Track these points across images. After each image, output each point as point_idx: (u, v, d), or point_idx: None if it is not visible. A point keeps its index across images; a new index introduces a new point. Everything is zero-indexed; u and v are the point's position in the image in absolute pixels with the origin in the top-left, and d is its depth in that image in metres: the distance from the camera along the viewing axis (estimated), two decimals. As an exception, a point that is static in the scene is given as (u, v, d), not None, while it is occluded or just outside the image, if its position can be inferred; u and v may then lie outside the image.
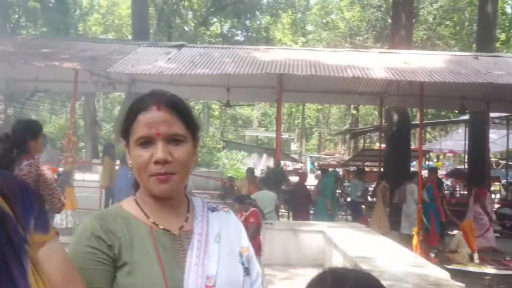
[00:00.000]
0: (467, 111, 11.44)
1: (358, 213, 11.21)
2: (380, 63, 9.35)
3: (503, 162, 21.90)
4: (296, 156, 39.38)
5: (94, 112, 25.43)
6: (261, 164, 21.29)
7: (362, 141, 30.05)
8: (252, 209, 7.07)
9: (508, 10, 33.73)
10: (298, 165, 33.69)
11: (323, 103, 21.57)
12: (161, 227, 1.13)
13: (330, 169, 14.49)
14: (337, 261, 3.78)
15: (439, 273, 3.06)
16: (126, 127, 1.17)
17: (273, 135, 31.48)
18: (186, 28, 30.91)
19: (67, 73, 9.45)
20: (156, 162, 1.10)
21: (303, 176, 11.53)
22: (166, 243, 1.12)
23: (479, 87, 9.13)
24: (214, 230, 1.21)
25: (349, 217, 12.27)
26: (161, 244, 1.10)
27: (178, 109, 1.16)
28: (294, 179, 22.26)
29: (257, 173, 14.52)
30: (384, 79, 8.87)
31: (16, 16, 24.13)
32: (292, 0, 33.11)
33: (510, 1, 33.84)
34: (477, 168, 12.24)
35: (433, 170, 10.70)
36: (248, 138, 43.85)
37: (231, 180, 13.96)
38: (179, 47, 10.74)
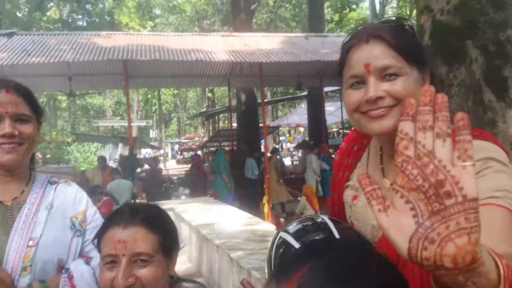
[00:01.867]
0: (303, 87, 12.56)
1: (254, 190, 11.39)
2: (222, 46, 9.78)
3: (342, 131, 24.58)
4: (156, 143, 38.87)
5: None
6: (118, 153, 20.65)
7: (221, 122, 30.95)
8: (104, 198, 7.00)
9: (339, -7, 37.36)
10: (160, 152, 33.39)
11: (173, 87, 21.61)
12: None
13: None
14: (185, 232, 4.06)
15: (267, 227, 3.51)
16: None
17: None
18: (18, 14, 28.01)
19: None
20: (3, 136, 1.28)
21: (152, 161, 11.62)
22: None
23: (312, 64, 10.05)
24: (48, 199, 1.42)
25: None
26: None
27: (25, 92, 1.36)
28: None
29: (113, 163, 14.07)
30: (227, 61, 9.32)
31: None
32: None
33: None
34: (317, 138, 13.61)
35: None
36: (102, 129, 41.76)
37: (82, 172, 13.37)
38: (9, 35, 9.85)
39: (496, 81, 3.08)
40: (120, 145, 21.08)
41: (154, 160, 11.94)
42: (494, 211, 0.83)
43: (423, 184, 0.52)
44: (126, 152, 17.75)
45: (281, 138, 32.94)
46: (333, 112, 19.11)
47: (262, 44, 10.19)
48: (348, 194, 1.22)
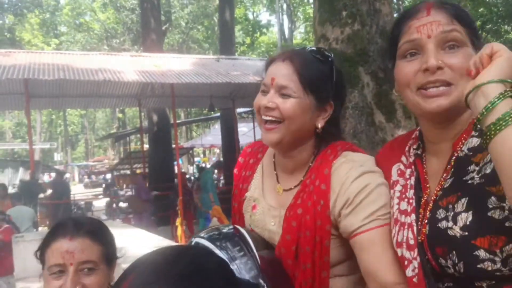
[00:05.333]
0: (216, 108, 12.69)
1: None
2: (131, 66, 9.62)
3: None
4: (61, 167, 36.70)
5: None
6: (17, 178, 19.21)
7: (132, 144, 30.03)
8: (5, 226, 6.51)
9: (250, 17, 38.56)
10: (66, 176, 31.53)
11: (80, 107, 20.61)
12: None
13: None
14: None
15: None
16: None
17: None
18: None
19: None
20: None
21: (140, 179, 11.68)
22: None
23: (224, 86, 10.14)
24: None
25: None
26: None
27: None
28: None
29: (12, 189, 13.06)
30: (137, 82, 9.17)
31: None
32: (39, -1, 30.59)
33: (251, 9, 38.78)
34: (230, 159, 13.74)
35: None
36: (1, 152, 38.64)
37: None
38: None
39: (385, 104, 3.41)
40: (21, 169, 19.63)
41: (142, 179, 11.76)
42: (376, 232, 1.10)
43: None
44: (27, 177, 16.62)
45: (196, 158, 32.75)
46: (246, 132, 19.39)
47: (173, 65, 10.17)
48: (247, 205, 1.35)
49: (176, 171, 12.30)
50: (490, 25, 22.61)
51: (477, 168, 0.96)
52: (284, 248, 1.20)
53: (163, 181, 12.59)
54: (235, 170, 1.44)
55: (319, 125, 1.22)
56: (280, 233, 1.22)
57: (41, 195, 10.73)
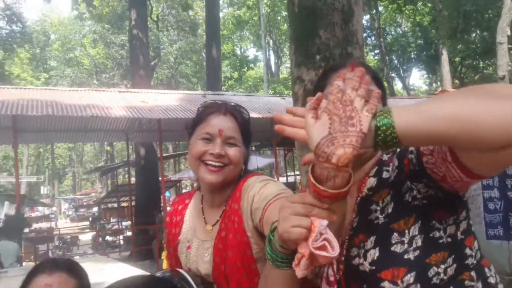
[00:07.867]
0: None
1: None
2: (119, 102, 9.84)
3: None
4: (48, 200, 36.28)
5: None
6: (3, 213, 19.00)
7: (120, 177, 29.90)
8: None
9: (238, 52, 39.35)
10: (52, 210, 31.17)
11: (67, 142, 20.71)
12: None
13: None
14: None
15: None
16: None
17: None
18: None
19: None
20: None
21: None
22: None
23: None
24: None
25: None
26: None
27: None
28: (46, 225, 20.53)
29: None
30: (124, 117, 9.36)
31: None
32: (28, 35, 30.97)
33: (239, 45, 39.61)
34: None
35: None
36: (-14, 186, 38.17)
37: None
38: None
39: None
40: (6, 203, 19.42)
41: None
42: None
43: (342, 114, 0.82)
44: (13, 211, 16.47)
45: (184, 190, 32.63)
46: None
47: (160, 100, 10.41)
48: (182, 247, 1.49)
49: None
50: (469, 61, 23.44)
51: (378, 208, 1.11)
52: (216, 271, 1.37)
53: (150, 214, 12.63)
54: (167, 218, 1.59)
55: (243, 167, 1.44)
56: (212, 261, 1.39)
57: (26, 230, 10.70)
